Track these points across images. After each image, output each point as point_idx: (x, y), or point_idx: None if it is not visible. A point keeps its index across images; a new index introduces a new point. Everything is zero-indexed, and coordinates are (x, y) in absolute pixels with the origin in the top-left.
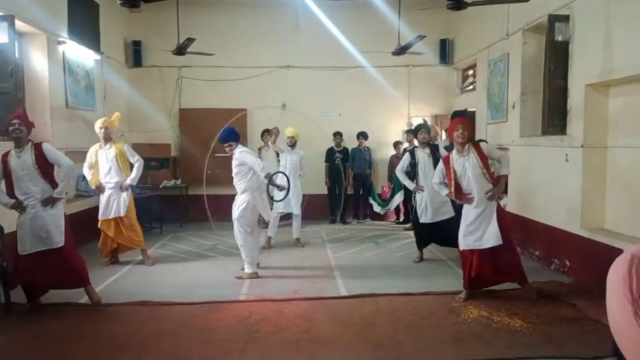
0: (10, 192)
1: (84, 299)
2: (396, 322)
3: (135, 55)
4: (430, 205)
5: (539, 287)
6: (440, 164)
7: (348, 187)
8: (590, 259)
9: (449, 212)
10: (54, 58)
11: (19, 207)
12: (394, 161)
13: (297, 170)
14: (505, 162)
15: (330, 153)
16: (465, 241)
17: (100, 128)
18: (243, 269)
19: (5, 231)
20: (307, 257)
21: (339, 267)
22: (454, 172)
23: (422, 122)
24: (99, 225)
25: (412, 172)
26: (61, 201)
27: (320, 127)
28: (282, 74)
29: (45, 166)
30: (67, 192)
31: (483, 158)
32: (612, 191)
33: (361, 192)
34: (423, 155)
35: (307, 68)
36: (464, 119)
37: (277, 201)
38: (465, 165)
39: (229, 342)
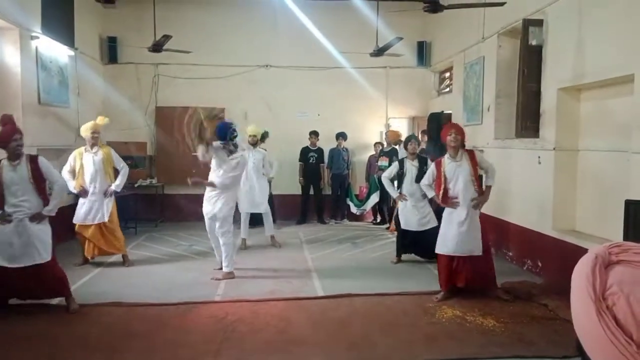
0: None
1: (56, 301)
2: (371, 322)
3: (111, 51)
4: (412, 216)
5: (511, 287)
6: (432, 166)
7: (325, 187)
8: (561, 259)
9: (432, 222)
10: (26, 53)
11: (4, 218)
12: (371, 161)
13: (260, 169)
14: (492, 172)
15: (304, 152)
16: (445, 246)
17: (93, 132)
18: (220, 269)
19: None
20: (284, 257)
21: (316, 267)
22: (445, 176)
23: (411, 133)
24: (76, 229)
25: (398, 182)
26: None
27: (298, 127)
28: (261, 73)
29: (39, 180)
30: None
31: (474, 166)
32: (583, 193)
33: (339, 193)
34: (411, 167)
35: (286, 67)
36: (457, 124)
37: None
38: (457, 170)
39: (204, 343)
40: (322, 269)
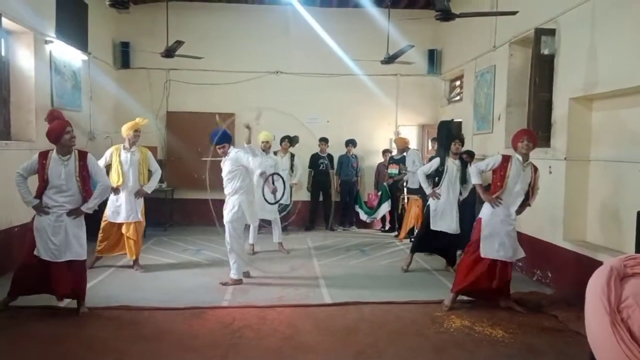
0: (39, 194)
1: (65, 303)
2: (379, 330)
3: (124, 56)
4: (443, 216)
5: (521, 297)
6: (498, 158)
7: (334, 194)
8: (571, 270)
9: (456, 228)
10: (40, 57)
11: (41, 210)
12: (380, 169)
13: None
14: (536, 194)
15: (314, 159)
16: (493, 250)
17: (135, 131)
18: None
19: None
20: (292, 264)
21: (324, 274)
22: (509, 175)
23: (460, 133)
24: (102, 225)
25: (437, 179)
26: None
27: (308, 133)
28: (272, 79)
29: (85, 178)
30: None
31: (533, 180)
32: (594, 204)
33: (348, 200)
34: (453, 165)
35: (296, 74)
36: (531, 131)
37: (270, 204)
38: (521, 175)
39: (211, 348)
40: (329, 276)
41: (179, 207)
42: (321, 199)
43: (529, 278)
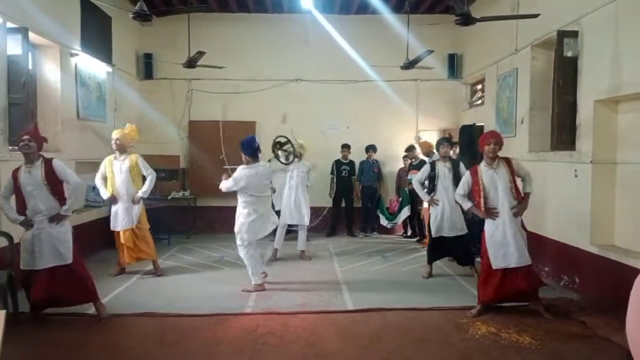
0: (21, 208)
1: (92, 310)
2: (403, 336)
3: (146, 67)
4: (446, 220)
5: (548, 303)
6: (467, 175)
7: (355, 200)
8: (600, 275)
9: (462, 229)
10: (66, 70)
11: (27, 224)
12: (401, 174)
13: (305, 181)
14: (530, 179)
15: (336, 165)
16: (498, 260)
17: (116, 140)
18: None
19: (16, 240)
20: (314, 270)
21: (346, 280)
22: (483, 184)
23: (446, 136)
24: (115, 236)
25: (430, 185)
26: (68, 218)
27: (328, 140)
28: (292, 87)
29: (54, 182)
30: (74, 210)
31: (512, 173)
32: (622, 207)
33: (369, 206)
34: (444, 168)
35: (316, 81)
36: (496, 133)
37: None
38: (495, 178)
39: (235, 354)
40: (351, 282)
41: (202, 215)
42: (343, 205)
43: (556, 283)
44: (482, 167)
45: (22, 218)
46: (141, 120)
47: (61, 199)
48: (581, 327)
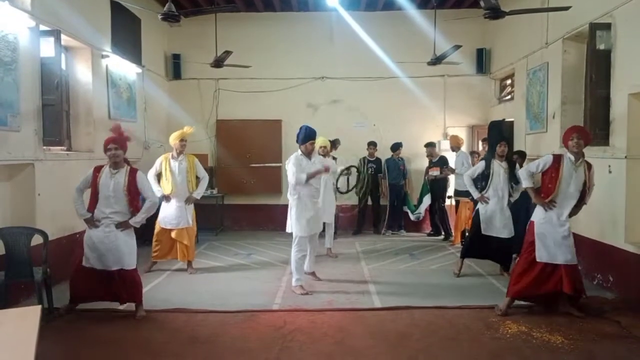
0: (91, 206)
1: (123, 306)
2: (431, 335)
3: (175, 68)
4: (496, 219)
5: (580, 302)
6: (548, 158)
7: (381, 198)
8: (635, 274)
9: (509, 232)
10: (97, 71)
11: (91, 222)
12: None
13: (332, 179)
14: (591, 192)
15: (363, 163)
16: (547, 253)
17: (181, 140)
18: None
19: (50, 238)
20: (341, 268)
21: (374, 278)
22: (561, 176)
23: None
24: (156, 231)
25: (483, 182)
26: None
27: (354, 137)
28: (317, 85)
29: (134, 192)
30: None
31: (588, 179)
32: None
33: (395, 204)
34: (499, 168)
35: (342, 79)
36: (581, 128)
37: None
38: (573, 176)
39: (263, 351)
40: (379, 280)
41: (229, 213)
42: (369, 202)
43: (589, 282)
44: (566, 160)
45: (89, 215)
46: (170, 119)
47: (134, 208)
48: (615, 326)
